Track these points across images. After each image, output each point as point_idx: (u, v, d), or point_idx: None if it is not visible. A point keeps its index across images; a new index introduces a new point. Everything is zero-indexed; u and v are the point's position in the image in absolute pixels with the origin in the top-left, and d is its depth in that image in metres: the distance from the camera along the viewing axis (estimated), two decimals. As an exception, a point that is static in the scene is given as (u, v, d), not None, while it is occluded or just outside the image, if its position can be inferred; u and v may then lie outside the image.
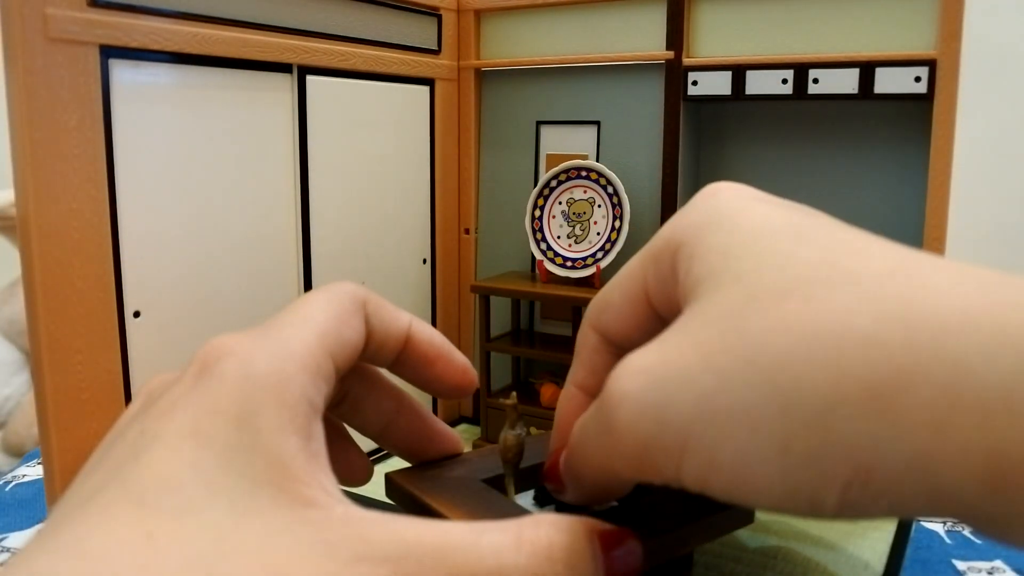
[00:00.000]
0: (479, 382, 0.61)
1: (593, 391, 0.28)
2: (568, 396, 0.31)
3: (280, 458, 0.21)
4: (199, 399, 0.22)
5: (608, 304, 0.29)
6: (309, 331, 0.25)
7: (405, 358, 0.31)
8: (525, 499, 0.39)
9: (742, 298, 0.21)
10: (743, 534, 0.41)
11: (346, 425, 0.34)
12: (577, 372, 0.31)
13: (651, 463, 0.22)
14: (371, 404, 0.33)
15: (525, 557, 0.21)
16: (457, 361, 0.32)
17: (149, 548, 0.18)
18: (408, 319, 0.31)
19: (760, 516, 0.35)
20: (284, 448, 0.22)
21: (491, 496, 0.35)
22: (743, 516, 0.35)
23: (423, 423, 0.34)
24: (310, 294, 0.28)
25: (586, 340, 0.30)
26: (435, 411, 0.61)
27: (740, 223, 0.24)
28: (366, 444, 0.34)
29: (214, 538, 0.19)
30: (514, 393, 0.38)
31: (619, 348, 0.29)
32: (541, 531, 0.22)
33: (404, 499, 0.35)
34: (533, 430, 0.56)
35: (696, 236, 0.24)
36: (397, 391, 0.33)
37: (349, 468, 0.33)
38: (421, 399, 0.35)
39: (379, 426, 0.33)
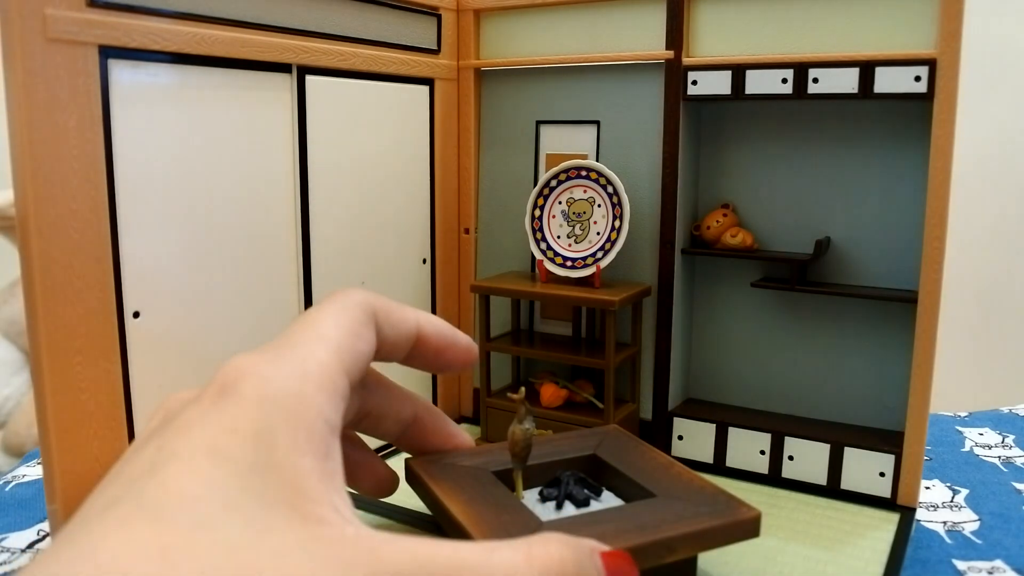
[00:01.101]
0: (479, 382, 0.61)
1: None
2: None
3: (294, 477, 0.22)
4: (217, 418, 0.23)
5: None
6: (325, 349, 0.26)
7: (416, 352, 0.33)
8: (531, 495, 0.39)
9: None
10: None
11: (364, 435, 0.36)
12: None
13: None
14: (390, 416, 0.34)
15: (538, 572, 0.22)
16: (462, 344, 0.34)
17: (163, 561, 0.19)
18: (415, 318, 0.32)
19: (761, 515, 0.35)
20: (299, 467, 0.22)
21: (495, 490, 0.36)
22: (747, 529, 0.35)
23: (436, 424, 0.37)
24: (322, 305, 0.28)
25: None
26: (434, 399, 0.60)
27: None
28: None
29: (228, 554, 0.19)
30: (522, 388, 0.39)
31: None
32: (551, 548, 0.23)
33: (418, 485, 0.37)
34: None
35: None
36: (412, 399, 0.35)
37: (377, 481, 0.36)
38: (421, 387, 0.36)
39: (396, 434, 0.35)
